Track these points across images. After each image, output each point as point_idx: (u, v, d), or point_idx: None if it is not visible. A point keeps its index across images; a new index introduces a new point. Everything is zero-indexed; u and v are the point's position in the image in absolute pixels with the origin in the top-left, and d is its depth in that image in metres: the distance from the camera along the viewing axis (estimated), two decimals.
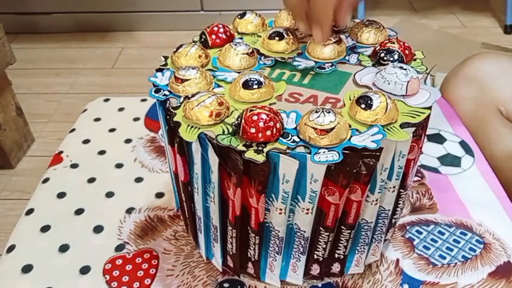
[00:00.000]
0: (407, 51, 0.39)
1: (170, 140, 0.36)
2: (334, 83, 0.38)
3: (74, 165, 0.58)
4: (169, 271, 0.45)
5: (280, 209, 0.34)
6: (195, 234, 0.42)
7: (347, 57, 0.41)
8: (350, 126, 0.32)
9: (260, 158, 0.30)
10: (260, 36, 0.43)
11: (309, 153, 0.31)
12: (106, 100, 0.71)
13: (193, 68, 0.36)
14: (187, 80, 0.36)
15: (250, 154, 0.31)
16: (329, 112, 0.31)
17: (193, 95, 0.34)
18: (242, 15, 0.45)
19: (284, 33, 0.41)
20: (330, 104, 0.36)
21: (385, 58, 0.39)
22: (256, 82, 0.35)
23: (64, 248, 0.48)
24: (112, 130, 0.64)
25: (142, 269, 0.45)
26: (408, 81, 0.35)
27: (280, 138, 0.32)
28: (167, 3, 1.62)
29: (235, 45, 0.39)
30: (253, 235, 0.37)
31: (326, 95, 0.37)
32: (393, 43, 0.39)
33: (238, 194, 0.34)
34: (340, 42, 0.41)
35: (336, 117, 0.31)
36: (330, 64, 0.40)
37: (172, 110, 0.34)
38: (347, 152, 0.31)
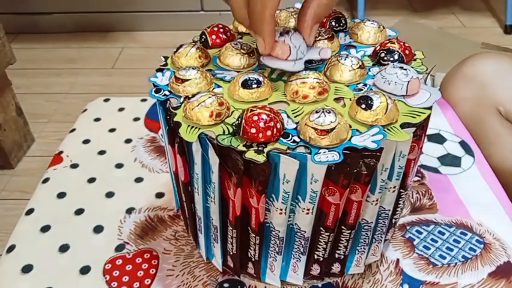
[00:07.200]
0: (407, 51, 0.39)
1: (171, 140, 0.36)
2: None
3: (74, 165, 0.58)
4: (169, 271, 0.45)
5: (281, 209, 0.34)
6: (195, 234, 0.42)
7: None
8: (350, 126, 0.32)
9: (260, 158, 0.30)
10: None
11: (310, 153, 0.31)
12: (106, 100, 0.71)
13: (193, 68, 0.36)
14: (187, 80, 0.36)
15: (250, 154, 0.31)
16: (330, 112, 0.31)
17: (193, 95, 0.34)
18: None
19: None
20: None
21: (385, 58, 0.39)
22: (255, 81, 0.35)
23: (64, 248, 0.48)
24: (112, 130, 0.64)
25: (142, 269, 0.45)
26: (408, 82, 0.35)
27: (281, 138, 0.32)
28: (167, 3, 1.62)
29: (236, 44, 0.39)
30: (254, 235, 0.37)
31: None
32: (394, 43, 0.39)
33: (239, 194, 0.34)
34: (332, 39, 0.40)
35: (337, 117, 0.31)
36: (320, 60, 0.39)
37: (173, 110, 0.34)
38: (348, 152, 0.31)
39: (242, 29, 0.44)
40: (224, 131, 0.32)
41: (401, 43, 0.39)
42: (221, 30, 0.42)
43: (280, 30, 0.37)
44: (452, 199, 0.52)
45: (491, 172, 0.56)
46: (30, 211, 0.52)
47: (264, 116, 0.31)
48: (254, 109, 0.32)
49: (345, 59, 0.37)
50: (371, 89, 0.36)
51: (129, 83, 1.38)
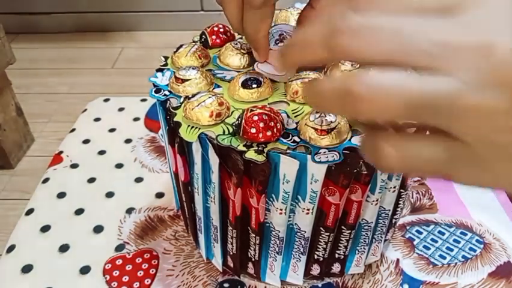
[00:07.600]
0: None
1: (171, 140, 0.36)
2: None
3: (74, 165, 0.58)
4: (169, 271, 0.45)
5: (281, 209, 0.34)
6: (195, 234, 0.42)
7: None
8: (350, 126, 0.32)
9: (260, 158, 0.30)
10: None
11: (310, 153, 0.31)
12: (106, 100, 0.71)
13: (193, 68, 0.36)
14: (187, 80, 0.36)
15: (250, 154, 0.31)
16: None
17: (193, 95, 0.34)
18: None
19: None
20: None
21: None
22: (255, 81, 0.35)
23: (64, 248, 0.48)
24: (112, 130, 0.64)
25: (142, 269, 0.45)
26: None
27: (281, 138, 0.32)
28: (167, 3, 1.62)
29: (236, 44, 0.39)
30: (254, 235, 0.37)
31: None
32: None
33: (239, 194, 0.34)
34: None
35: (337, 117, 0.31)
36: None
37: (173, 110, 0.34)
38: (348, 152, 0.31)
39: None
40: (224, 131, 0.32)
41: None
42: (221, 30, 0.42)
43: (280, 37, 0.37)
44: (452, 199, 0.52)
45: None
46: (30, 211, 0.52)
47: (264, 116, 0.31)
48: (254, 109, 0.32)
49: None
50: None
51: (129, 83, 1.37)
